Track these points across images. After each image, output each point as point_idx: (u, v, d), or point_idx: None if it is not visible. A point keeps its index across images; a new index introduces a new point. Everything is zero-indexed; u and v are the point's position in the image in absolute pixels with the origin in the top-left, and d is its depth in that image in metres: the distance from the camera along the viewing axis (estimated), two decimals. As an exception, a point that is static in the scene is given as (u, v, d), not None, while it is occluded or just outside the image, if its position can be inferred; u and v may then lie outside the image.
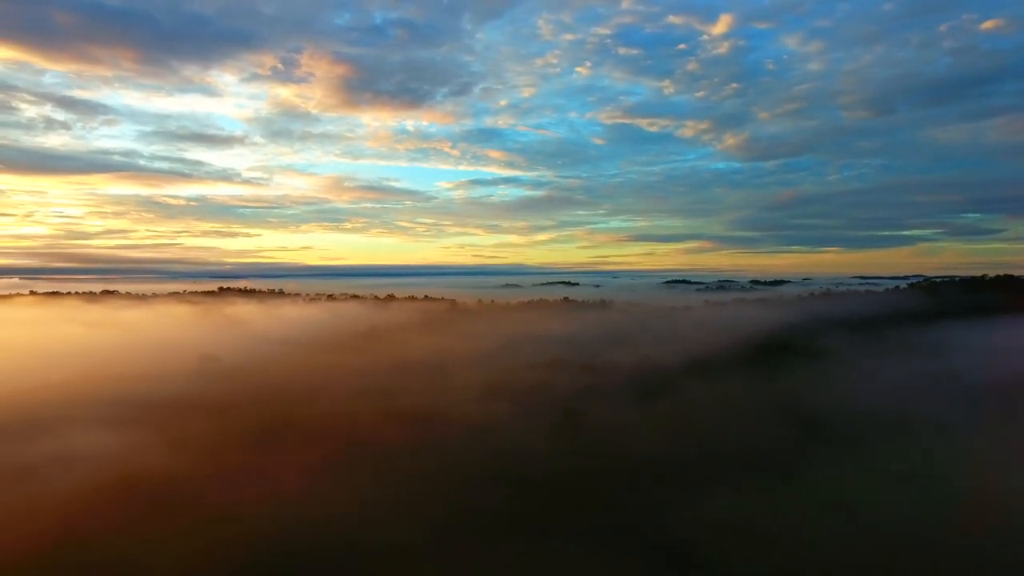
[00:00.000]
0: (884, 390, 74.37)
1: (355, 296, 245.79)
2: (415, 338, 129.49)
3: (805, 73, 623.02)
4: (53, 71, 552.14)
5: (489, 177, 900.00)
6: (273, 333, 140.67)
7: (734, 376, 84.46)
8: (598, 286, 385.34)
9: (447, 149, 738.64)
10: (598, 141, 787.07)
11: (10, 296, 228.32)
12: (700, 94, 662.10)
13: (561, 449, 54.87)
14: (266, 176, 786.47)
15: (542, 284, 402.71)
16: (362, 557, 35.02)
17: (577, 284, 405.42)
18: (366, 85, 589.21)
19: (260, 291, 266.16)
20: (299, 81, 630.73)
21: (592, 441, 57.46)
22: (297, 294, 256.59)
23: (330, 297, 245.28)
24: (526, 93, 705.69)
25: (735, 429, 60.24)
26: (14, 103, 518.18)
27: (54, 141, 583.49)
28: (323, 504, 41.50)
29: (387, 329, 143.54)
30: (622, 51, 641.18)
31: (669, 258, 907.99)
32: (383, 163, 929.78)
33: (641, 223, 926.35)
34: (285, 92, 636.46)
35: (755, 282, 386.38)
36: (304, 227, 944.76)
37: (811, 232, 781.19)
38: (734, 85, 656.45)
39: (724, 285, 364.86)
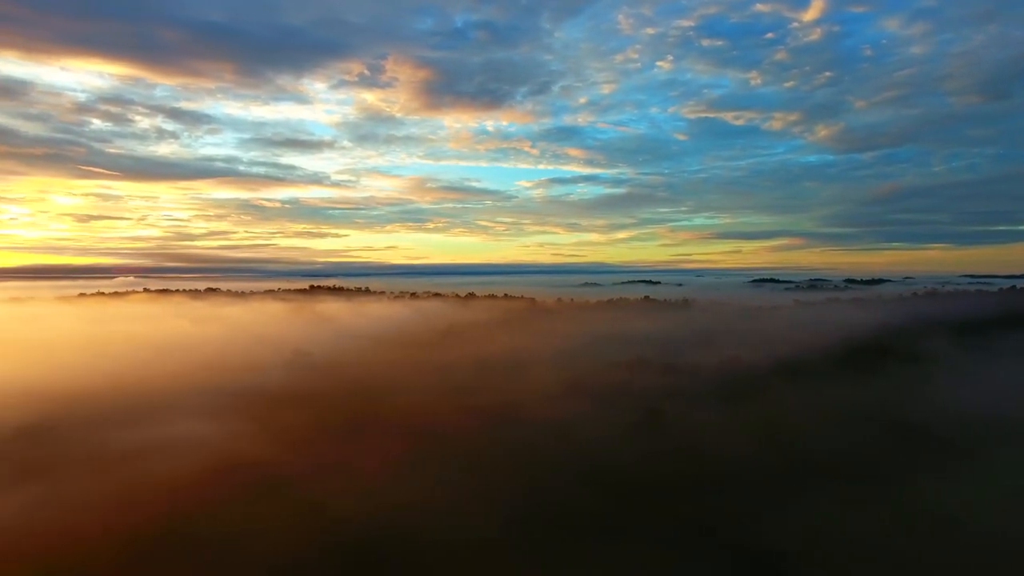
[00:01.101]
0: (999, 399, 68.47)
1: (437, 294, 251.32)
2: (495, 336, 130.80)
3: (907, 58, 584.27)
4: (163, 85, 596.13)
5: (568, 175, 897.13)
6: (359, 329, 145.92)
7: (826, 380, 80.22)
8: (680, 285, 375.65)
9: (527, 148, 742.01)
10: (680, 136, 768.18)
11: (127, 293, 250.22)
12: (789, 84, 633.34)
13: (642, 450, 53.90)
14: (353, 179, 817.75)
15: (622, 283, 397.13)
16: (443, 549, 35.80)
17: (658, 283, 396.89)
18: (447, 88, 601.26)
19: (348, 289, 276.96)
20: (384, 86, 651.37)
21: (675, 443, 56.10)
22: (382, 292, 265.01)
23: (413, 295, 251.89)
24: (606, 90, 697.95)
25: (828, 435, 57.21)
26: (130, 116, 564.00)
27: (164, 150, 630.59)
28: (406, 496, 42.65)
29: (468, 327, 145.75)
30: (706, 43, 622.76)
31: (756, 256, 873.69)
32: (464, 164, 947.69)
33: (726, 220, 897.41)
34: (371, 97, 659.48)
35: (850, 281, 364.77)
36: (389, 227, 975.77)
37: (913, 228, 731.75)
38: (827, 73, 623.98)
39: (816, 284, 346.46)
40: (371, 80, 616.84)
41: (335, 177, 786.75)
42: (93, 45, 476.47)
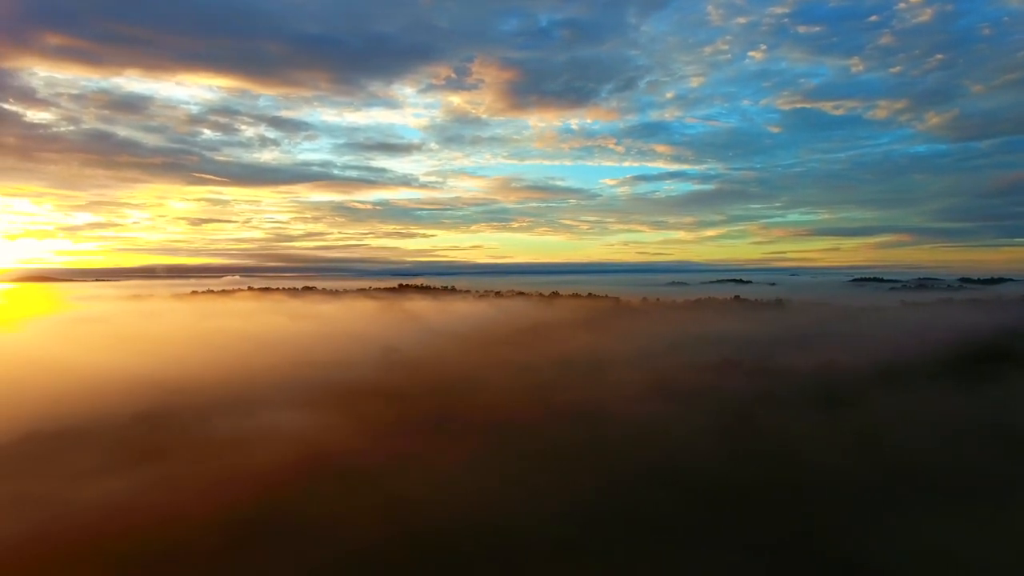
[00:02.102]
0: None
1: (521, 293, 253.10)
2: (578, 335, 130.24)
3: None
4: (266, 95, 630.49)
5: (654, 172, 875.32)
6: (445, 327, 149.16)
7: (935, 387, 74.36)
8: (773, 284, 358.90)
9: (611, 146, 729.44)
10: (774, 129, 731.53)
11: (233, 291, 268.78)
12: (896, 70, 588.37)
13: (730, 455, 51.97)
14: (440, 180, 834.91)
15: (711, 282, 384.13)
16: (519, 545, 35.99)
17: (749, 282, 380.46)
18: (532, 87, 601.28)
19: (434, 288, 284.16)
20: (470, 88, 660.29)
21: (765, 449, 53.71)
22: (467, 291, 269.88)
23: (497, 294, 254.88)
24: (694, 83, 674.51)
25: (934, 448, 52.98)
26: (236, 125, 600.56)
27: (267, 156, 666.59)
28: (485, 491, 43.23)
29: (551, 326, 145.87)
30: (802, 30, 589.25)
31: (857, 253, 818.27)
32: (548, 163, 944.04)
33: (824, 216, 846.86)
34: (457, 100, 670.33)
35: (966, 280, 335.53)
36: (474, 227, 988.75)
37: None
38: (939, 56, 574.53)
39: (925, 283, 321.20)
40: (458, 83, 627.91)
41: (423, 179, 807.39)
42: (205, 61, 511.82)
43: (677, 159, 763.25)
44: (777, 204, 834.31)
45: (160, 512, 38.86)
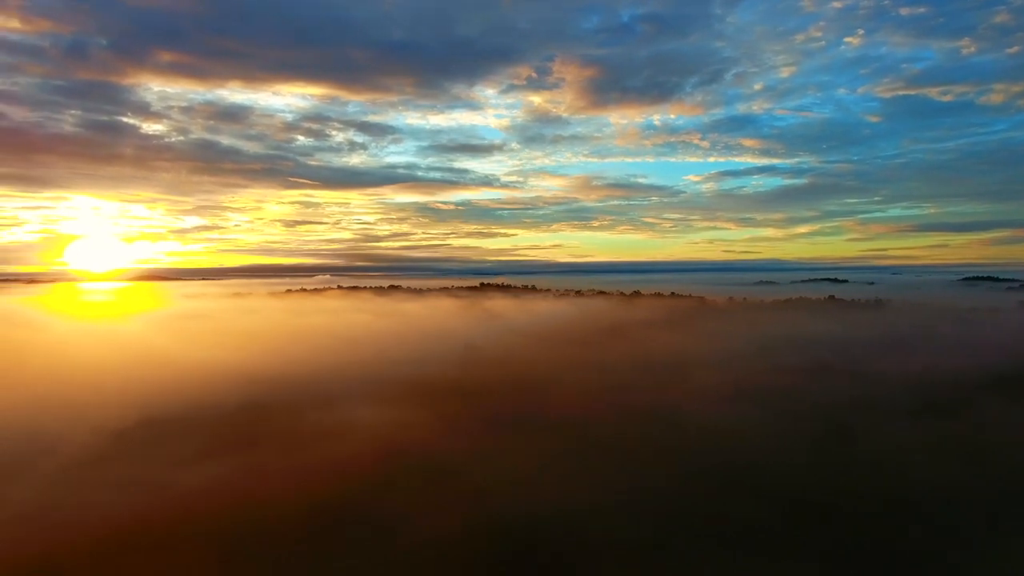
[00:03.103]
0: None
1: (601, 292, 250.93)
2: (660, 335, 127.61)
3: None
4: (354, 101, 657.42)
5: (741, 167, 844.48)
6: (525, 326, 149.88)
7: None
8: (872, 283, 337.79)
9: (696, 141, 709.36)
10: (873, 119, 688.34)
11: (323, 290, 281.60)
12: (1013, 50, 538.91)
13: (820, 464, 49.31)
14: (521, 180, 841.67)
15: (802, 281, 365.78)
16: (593, 545, 35.70)
17: (845, 281, 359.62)
18: (613, 84, 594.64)
19: (515, 287, 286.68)
20: (551, 87, 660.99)
21: (859, 459, 50.59)
22: (547, 290, 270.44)
23: (578, 293, 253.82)
24: (785, 73, 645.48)
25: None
26: (327, 131, 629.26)
27: (355, 160, 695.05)
28: (560, 489, 43.13)
29: (632, 326, 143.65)
30: (904, 11, 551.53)
31: (968, 250, 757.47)
32: (630, 160, 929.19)
33: (929, 210, 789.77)
34: (538, 99, 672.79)
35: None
36: (555, 226, 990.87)
37: None
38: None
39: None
40: (538, 82, 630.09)
41: (504, 179, 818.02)
42: (299, 70, 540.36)
43: (766, 153, 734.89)
44: (877, 198, 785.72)
45: (251, 497, 41.23)
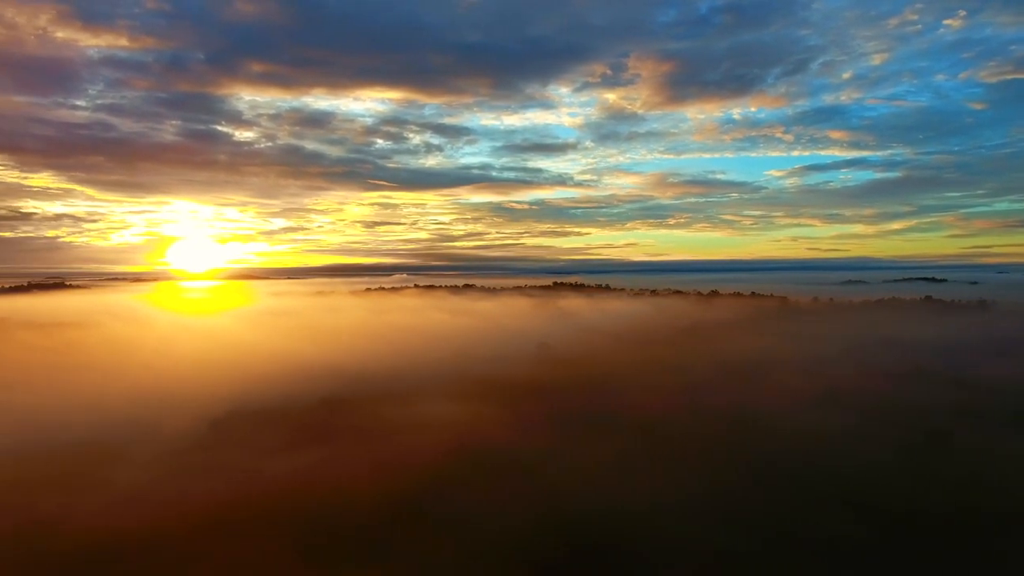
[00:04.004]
0: None
1: (677, 292, 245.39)
2: (739, 336, 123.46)
3: None
4: (431, 104, 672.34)
5: (828, 161, 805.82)
6: (599, 325, 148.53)
7: None
8: (975, 283, 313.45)
9: (779, 134, 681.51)
10: (976, 106, 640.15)
11: (401, 289, 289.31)
12: None
13: (914, 475, 46.16)
14: (595, 178, 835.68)
15: (896, 280, 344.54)
16: (671, 551, 34.86)
17: (944, 281, 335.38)
18: (691, 78, 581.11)
19: (588, 286, 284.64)
20: (626, 84, 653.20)
21: (958, 470, 47.03)
22: (621, 289, 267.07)
23: (653, 292, 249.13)
24: (876, 60, 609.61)
25: None
26: (405, 134, 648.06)
27: (431, 161, 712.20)
28: (635, 490, 42.38)
29: (709, 326, 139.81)
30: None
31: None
32: (708, 156, 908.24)
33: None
34: (612, 96, 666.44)
35: None
36: (629, 224, 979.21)
37: None
38: None
39: None
40: (613, 79, 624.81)
41: (578, 177, 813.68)
42: (378, 76, 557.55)
43: (855, 145, 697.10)
44: (980, 191, 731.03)
45: (332, 487, 42.82)
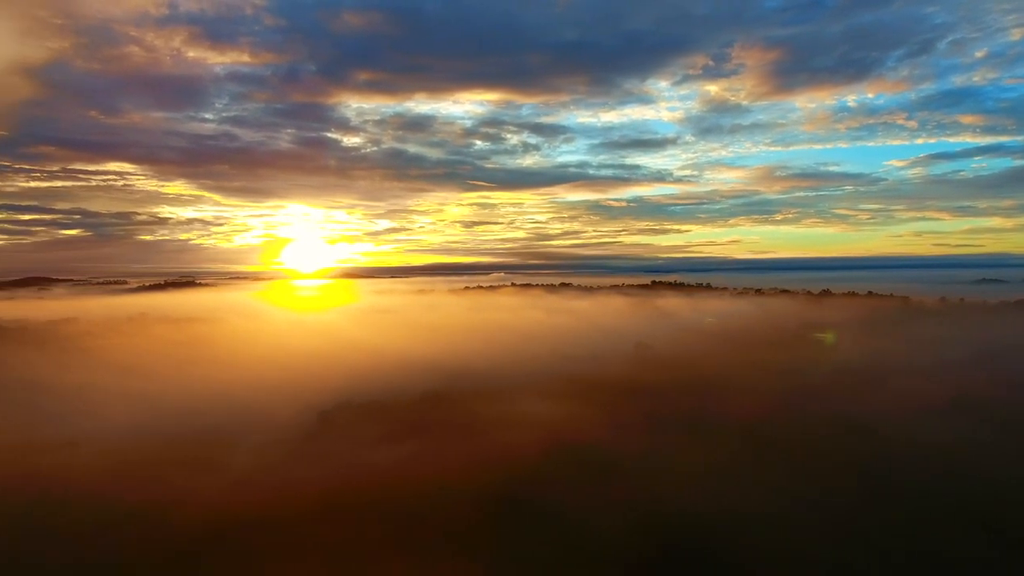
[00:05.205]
0: None
1: (785, 291, 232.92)
2: (854, 338, 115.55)
3: None
4: (528, 104, 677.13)
5: (958, 148, 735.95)
6: (699, 325, 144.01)
7: None
8: None
9: (900, 121, 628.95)
10: None
11: (499, 287, 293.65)
12: None
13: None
14: (696, 173, 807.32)
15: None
16: (768, 557, 33.30)
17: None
18: (801, 65, 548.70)
19: (688, 285, 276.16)
20: (728, 75, 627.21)
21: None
22: (724, 288, 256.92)
23: (758, 292, 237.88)
24: (1016, 36, 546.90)
25: None
26: (503, 134, 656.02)
27: (528, 161, 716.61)
28: (730, 495, 40.98)
29: (820, 327, 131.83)
30: None
31: None
32: (819, 147, 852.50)
33: None
34: (714, 88, 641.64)
35: None
36: (732, 221, 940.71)
37: None
38: None
39: None
40: (715, 70, 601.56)
41: (677, 173, 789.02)
42: (477, 79, 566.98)
43: (990, 130, 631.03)
44: None
45: (429, 479, 44.11)
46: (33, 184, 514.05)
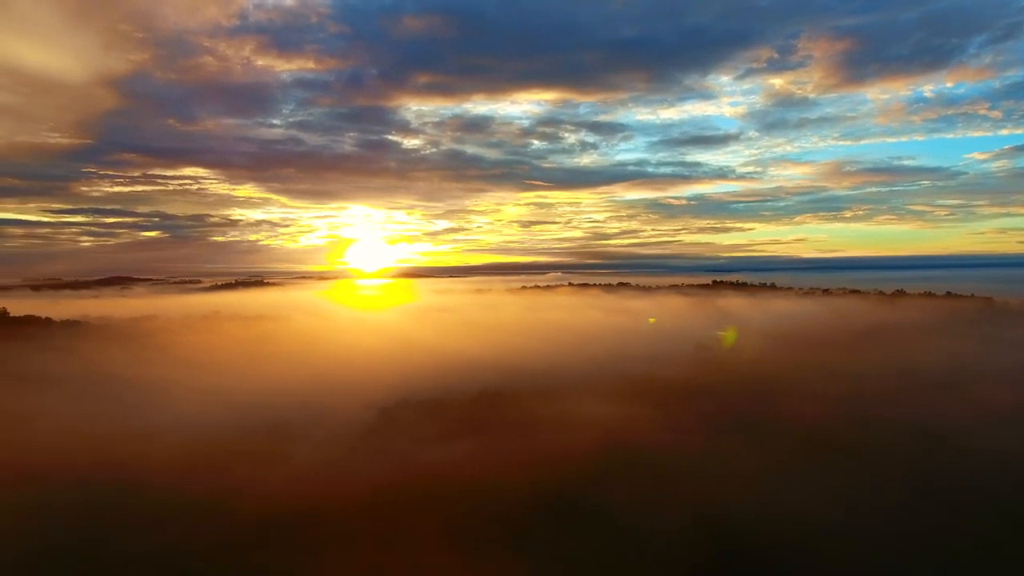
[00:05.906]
0: None
1: (854, 291, 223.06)
2: (930, 341, 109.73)
3: None
4: (585, 102, 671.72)
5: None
6: (761, 326, 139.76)
7: None
8: None
9: (982, 111, 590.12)
10: None
11: (556, 287, 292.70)
12: None
13: None
14: (760, 170, 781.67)
15: None
16: (826, 564, 32.40)
17: None
18: (872, 55, 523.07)
19: (751, 284, 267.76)
20: (794, 67, 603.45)
21: None
22: (789, 288, 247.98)
23: (825, 292, 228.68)
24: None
25: None
26: (560, 133, 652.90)
27: (586, 160, 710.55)
28: (788, 500, 40.13)
29: (892, 329, 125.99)
30: None
31: None
32: (892, 140, 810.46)
33: None
34: (779, 82, 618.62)
35: None
36: (798, 218, 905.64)
37: None
38: None
39: None
40: (780, 63, 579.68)
41: (740, 170, 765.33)
42: (534, 79, 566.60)
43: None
44: None
45: (483, 477, 44.89)
46: (116, 189, 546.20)
